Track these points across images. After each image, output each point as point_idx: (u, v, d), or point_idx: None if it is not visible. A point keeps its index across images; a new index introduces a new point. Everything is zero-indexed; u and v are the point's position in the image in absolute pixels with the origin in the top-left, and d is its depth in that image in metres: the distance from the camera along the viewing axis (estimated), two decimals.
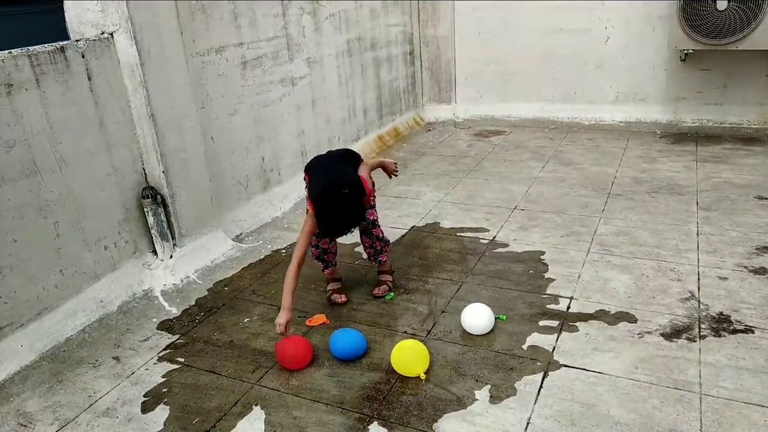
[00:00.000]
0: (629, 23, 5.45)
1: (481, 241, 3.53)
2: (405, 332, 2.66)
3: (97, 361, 2.61)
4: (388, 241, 2.98)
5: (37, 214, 2.66)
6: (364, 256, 3.10)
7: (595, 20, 5.58)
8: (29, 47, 2.59)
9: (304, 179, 2.87)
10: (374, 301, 2.93)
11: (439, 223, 3.84)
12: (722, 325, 2.55)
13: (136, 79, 2.99)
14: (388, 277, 3.03)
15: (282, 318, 2.51)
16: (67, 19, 2.96)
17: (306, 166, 2.89)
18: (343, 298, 2.92)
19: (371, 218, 2.84)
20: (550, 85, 5.99)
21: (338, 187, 2.51)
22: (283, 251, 3.58)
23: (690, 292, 2.82)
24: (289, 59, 4.23)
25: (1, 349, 2.53)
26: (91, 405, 2.32)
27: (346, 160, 2.86)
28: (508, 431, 2.05)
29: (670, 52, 5.32)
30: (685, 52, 5.15)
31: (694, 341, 2.45)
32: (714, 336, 2.48)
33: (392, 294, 2.97)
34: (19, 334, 2.61)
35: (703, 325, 2.55)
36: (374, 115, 5.61)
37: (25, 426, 2.23)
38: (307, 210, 2.68)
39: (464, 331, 2.62)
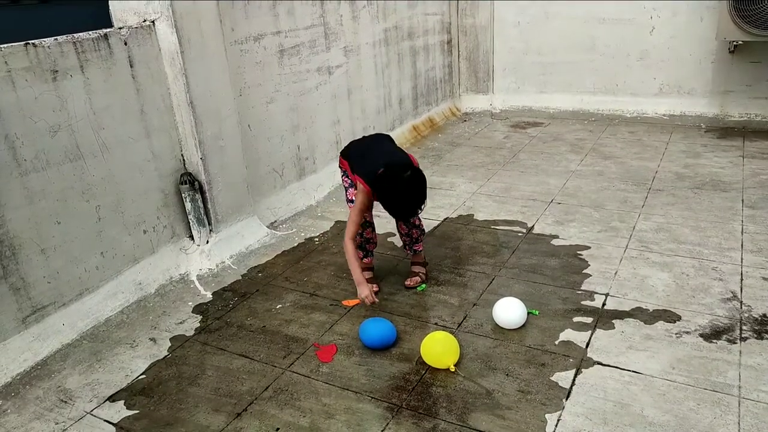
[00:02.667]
0: (676, 13, 5.28)
1: (516, 234, 3.49)
2: (436, 324, 2.66)
3: (134, 341, 2.68)
4: (425, 230, 2.99)
5: (80, 197, 2.74)
6: (399, 244, 3.10)
7: (640, 10, 5.42)
8: (74, 34, 2.66)
9: (341, 165, 2.91)
10: (406, 291, 2.93)
11: (473, 215, 3.81)
12: (765, 327, 2.46)
13: (176, 66, 3.04)
14: (421, 269, 3.02)
15: (365, 290, 2.59)
16: (110, 7, 3.02)
17: (343, 151, 2.93)
18: (375, 288, 2.92)
19: None
20: (591, 76, 5.85)
21: (406, 166, 2.57)
22: (317, 239, 3.61)
23: (732, 292, 2.73)
24: (326, 48, 4.24)
25: (44, 327, 2.62)
26: (129, 384, 2.39)
27: (391, 142, 2.95)
28: (538, 427, 2.03)
29: (718, 43, 5.14)
30: (735, 43, 4.96)
31: (735, 343, 2.38)
32: (756, 338, 2.39)
33: (424, 285, 2.96)
34: (61, 313, 2.70)
35: (744, 327, 2.47)
36: (409, 105, 5.58)
37: (65, 402, 2.31)
38: (349, 192, 2.80)
39: (496, 324, 2.60)
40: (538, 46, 5.99)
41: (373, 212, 2.89)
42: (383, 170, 2.57)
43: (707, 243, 3.20)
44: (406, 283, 2.97)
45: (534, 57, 6.06)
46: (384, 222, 3.28)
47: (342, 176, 2.99)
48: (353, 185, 2.84)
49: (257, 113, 3.70)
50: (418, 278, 2.97)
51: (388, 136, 3.07)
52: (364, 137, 3.10)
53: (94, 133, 2.76)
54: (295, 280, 3.14)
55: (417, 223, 2.92)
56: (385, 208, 2.61)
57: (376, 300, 2.62)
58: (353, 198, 2.82)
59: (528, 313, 2.61)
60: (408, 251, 3.03)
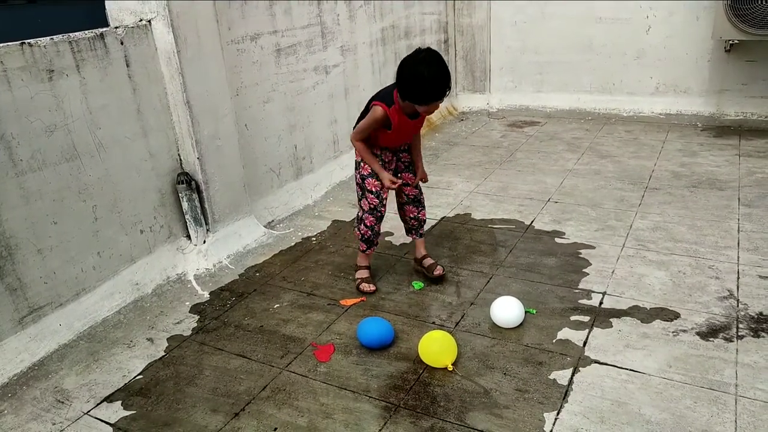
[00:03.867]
0: (672, 12, 5.29)
1: (513, 233, 3.49)
2: (433, 323, 2.66)
3: (131, 341, 2.67)
4: None
5: (77, 197, 2.73)
6: (396, 243, 3.11)
7: (637, 9, 5.43)
8: (70, 33, 2.65)
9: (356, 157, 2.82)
10: (403, 290, 2.93)
11: (470, 214, 3.81)
12: (761, 325, 2.47)
13: (172, 66, 3.03)
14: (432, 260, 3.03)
15: (387, 177, 2.65)
16: (106, 6, 3.01)
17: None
18: (372, 287, 2.92)
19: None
20: (587, 76, 5.86)
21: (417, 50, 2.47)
22: (314, 239, 3.61)
23: (728, 290, 2.74)
24: (323, 47, 4.23)
25: (40, 328, 2.61)
26: (126, 384, 2.39)
27: None
28: (535, 426, 2.03)
29: (714, 42, 5.15)
30: (731, 42, 4.98)
31: (731, 341, 2.38)
32: (752, 336, 2.40)
33: (421, 284, 2.96)
34: (58, 314, 2.69)
35: (741, 325, 2.48)
36: None
37: (62, 402, 2.30)
38: (367, 182, 2.75)
39: (493, 324, 2.60)
40: (535, 46, 6.00)
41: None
42: (397, 69, 2.46)
43: (704, 241, 3.21)
44: (435, 273, 2.93)
45: (531, 56, 6.06)
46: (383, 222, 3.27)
47: (356, 154, 2.80)
48: (372, 174, 2.74)
49: (254, 113, 3.69)
50: (440, 268, 2.97)
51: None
52: None
53: (91, 133, 2.75)
54: (293, 279, 3.14)
55: (423, 201, 2.97)
56: (416, 97, 2.41)
57: (399, 182, 2.67)
58: (371, 188, 2.75)
59: (525, 312, 2.62)
60: (414, 236, 3.03)
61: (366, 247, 2.94)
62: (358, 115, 2.77)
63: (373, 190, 2.76)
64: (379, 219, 2.85)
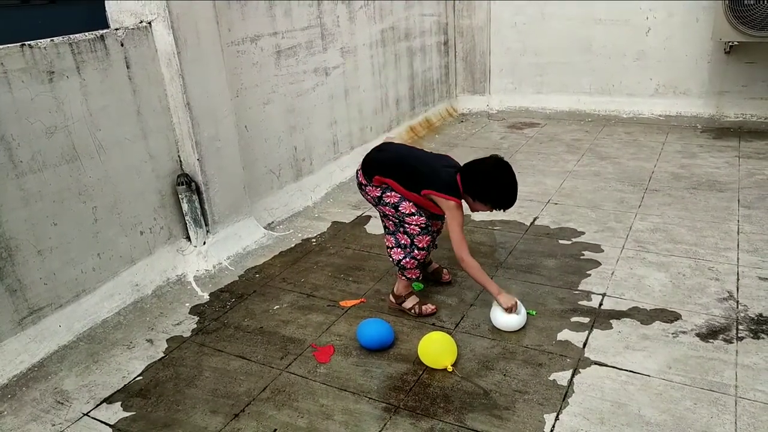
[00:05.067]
0: (672, 14, 5.30)
1: (513, 234, 3.49)
2: (433, 324, 2.66)
3: (131, 342, 2.67)
4: None
5: (77, 198, 2.73)
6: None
7: (636, 10, 5.44)
8: (70, 35, 2.65)
9: (374, 183, 2.62)
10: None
11: (470, 215, 3.81)
12: (761, 326, 2.47)
13: (172, 67, 3.03)
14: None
15: (510, 300, 2.53)
16: (107, 8, 3.01)
17: (371, 170, 2.64)
18: (434, 307, 2.74)
19: None
20: (587, 77, 5.87)
21: (483, 159, 2.54)
22: (314, 240, 3.61)
23: (728, 292, 2.74)
24: (323, 49, 4.24)
25: (40, 329, 2.61)
26: (125, 385, 2.39)
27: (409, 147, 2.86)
28: (535, 427, 2.03)
29: (714, 44, 5.16)
30: (730, 44, 4.98)
31: (731, 343, 2.38)
32: (752, 338, 2.40)
33: (421, 285, 2.96)
34: (58, 315, 2.69)
35: (740, 327, 2.48)
36: (406, 106, 5.58)
37: (62, 403, 2.30)
38: (402, 206, 2.57)
39: (493, 325, 2.60)
40: (535, 47, 6.00)
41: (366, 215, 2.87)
42: (466, 170, 2.51)
43: (703, 243, 3.21)
44: (444, 278, 2.97)
45: (531, 58, 6.07)
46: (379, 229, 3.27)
47: (371, 190, 2.64)
48: (404, 198, 2.58)
49: (254, 114, 3.70)
50: (447, 271, 3.01)
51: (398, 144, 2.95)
52: (379, 151, 2.74)
53: (91, 135, 2.75)
54: (293, 281, 3.14)
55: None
56: (499, 203, 2.50)
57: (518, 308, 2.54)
58: (410, 211, 2.56)
59: (529, 314, 2.62)
60: (432, 248, 2.97)
61: (419, 273, 2.71)
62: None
63: (413, 211, 2.57)
64: (433, 234, 2.70)
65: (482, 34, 6.19)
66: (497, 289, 2.54)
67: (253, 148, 3.71)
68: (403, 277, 2.69)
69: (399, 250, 2.65)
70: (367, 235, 3.62)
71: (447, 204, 2.51)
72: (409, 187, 2.56)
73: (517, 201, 2.54)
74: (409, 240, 2.62)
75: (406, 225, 2.59)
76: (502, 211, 2.54)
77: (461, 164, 2.60)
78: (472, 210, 2.60)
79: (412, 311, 2.71)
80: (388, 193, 2.61)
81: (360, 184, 2.72)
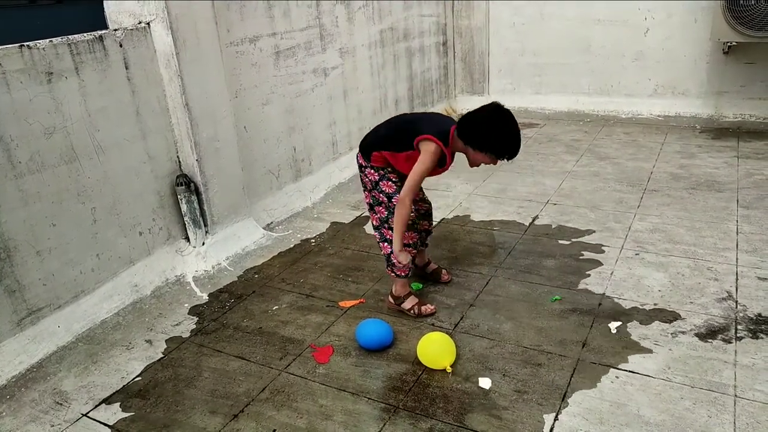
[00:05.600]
0: (671, 14, 5.30)
1: (512, 234, 3.50)
2: (432, 325, 2.66)
3: (130, 343, 2.67)
4: None
5: (76, 199, 2.73)
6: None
7: (635, 11, 5.44)
8: (69, 36, 2.65)
9: (370, 164, 2.59)
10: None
11: (470, 216, 3.82)
12: (760, 326, 2.47)
13: (171, 68, 3.03)
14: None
15: (405, 257, 2.47)
16: (105, 8, 3.01)
17: (369, 146, 2.60)
18: (433, 307, 2.73)
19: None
20: (586, 77, 5.87)
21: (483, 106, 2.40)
22: (313, 241, 3.61)
23: (727, 292, 2.74)
24: (322, 49, 4.24)
25: (39, 329, 2.61)
26: (124, 386, 2.38)
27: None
28: (534, 427, 2.03)
29: (712, 44, 5.16)
30: (729, 44, 4.98)
31: (730, 342, 2.38)
32: (751, 338, 2.40)
33: (420, 284, 2.96)
34: (56, 315, 2.69)
35: (739, 327, 2.48)
36: (406, 106, 5.58)
37: (61, 404, 2.30)
38: (382, 184, 2.55)
39: (493, 325, 2.60)
40: (534, 48, 6.01)
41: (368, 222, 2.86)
42: (463, 118, 2.37)
43: (702, 243, 3.21)
44: (444, 278, 2.97)
45: (529, 58, 6.07)
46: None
47: (371, 173, 2.61)
48: (385, 177, 2.57)
49: (253, 115, 3.70)
50: (446, 271, 3.00)
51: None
52: (377, 127, 2.71)
53: (90, 135, 2.75)
54: (292, 281, 3.14)
55: (432, 213, 2.91)
56: (501, 151, 2.36)
57: (407, 272, 2.49)
58: (389, 191, 2.56)
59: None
60: (423, 247, 2.97)
61: (408, 271, 2.68)
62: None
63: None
64: (420, 231, 2.71)
65: (481, 35, 6.20)
66: (399, 246, 2.50)
67: (252, 148, 3.71)
68: (393, 274, 2.69)
69: (386, 244, 2.66)
70: (366, 236, 3.62)
71: (427, 146, 2.40)
72: (403, 147, 2.48)
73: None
74: (391, 235, 2.61)
75: (392, 219, 2.56)
76: (506, 160, 2.39)
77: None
78: (473, 164, 2.48)
79: (412, 312, 2.70)
80: (385, 182, 2.59)
81: (360, 167, 2.68)
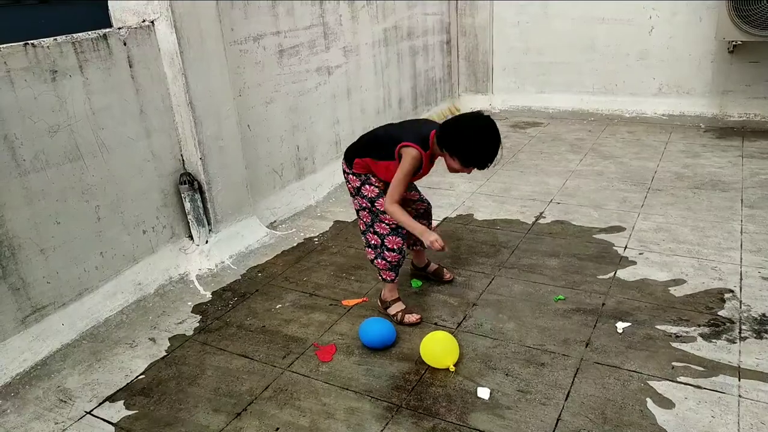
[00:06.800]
0: (675, 13, 5.29)
1: (515, 234, 3.49)
2: (435, 324, 2.66)
3: (134, 341, 2.68)
4: None
5: (80, 197, 2.73)
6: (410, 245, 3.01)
7: (640, 10, 5.42)
8: (73, 34, 2.66)
9: (352, 170, 2.61)
10: (403, 291, 2.93)
11: (473, 215, 3.81)
12: (764, 326, 2.46)
13: (175, 66, 3.03)
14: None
15: (431, 235, 2.38)
16: (109, 7, 3.02)
17: (352, 154, 2.61)
18: (418, 317, 2.66)
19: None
20: (590, 76, 5.86)
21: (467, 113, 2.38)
22: (316, 239, 3.61)
23: (731, 291, 2.73)
24: (326, 48, 4.24)
25: (43, 327, 2.62)
26: (128, 384, 2.39)
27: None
28: (537, 427, 2.03)
29: (717, 43, 5.14)
30: (734, 43, 4.97)
31: (734, 343, 2.38)
32: (755, 338, 2.40)
33: (419, 282, 2.96)
34: (60, 313, 2.70)
35: (744, 327, 2.47)
36: (409, 105, 5.58)
37: (65, 402, 2.30)
38: (364, 189, 2.54)
39: (495, 324, 2.60)
40: (538, 46, 5.99)
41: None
42: (447, 122, 2.35)
43: (706, 243, 3.20)
44: (446, 277, 2.97)
45: (533, 57, 6.06)
46: None
47: (353, 179, 2.64)
48: (383, 193, 2.54)
49: (257, 113, 3.70)
50: (447, 270, 2.99)
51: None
52: (361, 136, 2.74)
53: (94, 134, 2.76)
54: (295, 280, 3.14)
55: (431, 212, 2.90)
56: (473, 161, 2.32)
57: (444, 244, 2.37)
58: (372, 195, 2.56)
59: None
60: (420, 248, 2.93)
61: (394, 276, 2.67)
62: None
63: None
64: (405, 236, 2.62)
65: (485, 34, 6.18)
66: (421, 228, 2.44)
67: (255, 147, 3.71)
68: (380, 277, 2.69)
69: (370, 250, 2.67)
70: None
71: (408, 151, 2.39)
72: (384, 156, 2.47)
73: (494, 158, 2.32)
74: (379, 240, 2.62)
75: (378, 223, 2.58)
76: (477, 169, 2.35)
77: None
78: (449, 169, 2.45)
79: (395, 318, 2.67)
80: (367, 186, 2.59)
81: (344, 173, 2.70)
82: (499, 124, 2.40)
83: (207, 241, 3.33)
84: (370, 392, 2.25)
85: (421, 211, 2.85)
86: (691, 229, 3.38)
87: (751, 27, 4.62)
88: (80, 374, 2.47)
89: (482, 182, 4.34)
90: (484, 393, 2.19)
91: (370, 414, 2.14)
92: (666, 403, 2.08)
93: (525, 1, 5.89)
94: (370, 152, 2.55)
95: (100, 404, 2.29)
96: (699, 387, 2.15)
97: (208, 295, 3.04)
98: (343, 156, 2.71)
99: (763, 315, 2.54)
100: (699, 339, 2.41)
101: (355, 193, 2.66)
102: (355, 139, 2.74)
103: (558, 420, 2.05)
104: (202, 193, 3.27)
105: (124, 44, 2.87)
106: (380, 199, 2.54)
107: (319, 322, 2.73)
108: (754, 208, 3.57)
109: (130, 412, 2.23)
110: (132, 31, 2.90)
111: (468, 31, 6.25)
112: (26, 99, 2.47)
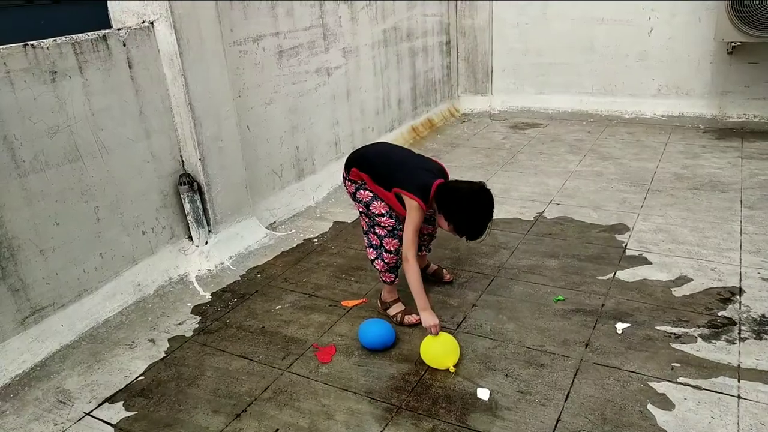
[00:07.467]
0: (675, 14, 5.29)
1: (515, 234, 3.49)
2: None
3: (133, 342, 2.67)
4: None
5: (79, 198, 2.73)
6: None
7: (639, 10, 5.43)
8: (73, 35, 2.65)
9: (352, 178, 2.63)
10: (403, 292, 2.92)
11: None
12: (764, 327, 2.46)
13: (175, 67, 3.03)
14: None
15: (432, 319, 2.40)
16: (109, 8, 3.02)
17: (352, 163, 2.64)
18: (417, 318, 2.58)
19: None
20: (589, 77, 5.86)
21: (470, 183, 2.45)
22: (316, 240, 3.61)
23: (731, 292, 2.73)
24: (325, 49, 4.24)
25: (42, 328, 2.62)
26: (127, 385, 2.39)
27: (402, 149, 2.78)
28: (537, 428, 2.03)
29: (716, 44, 5.15)
30: (733, 44, 4.97)
31: (734, 343, 2.38)
32: (755, 339, 2.40)
33: None
34: (60, 315, 2.69)
35: (743, 327, 2.47)
36: (408, 106, 5.58)
37: (64, 403, 2.30)
38: (373, 206, 2.56)
39: (495, 325, 2.60)
40: (537, 47, 6.00)
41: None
42: (444, 185, 2.44)
43: (706, 243, 3.20)
44: (446, 278, 2.98)
45: (533, 58, 6.06)
46: None
47: (348, 185, 2.68)
48: (377, 197, 2.57)
49: (256, 114, 3.70)
50: (447, 271, 3.01)
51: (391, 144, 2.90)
52: (367, 146, 2.80)
53: (93, 134, 2.76)
54: (294, 281, 3.14)
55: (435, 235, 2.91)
56: (466, 232, 2.41)
57: (438, 331, 2.40)
58: (380, 211, 2.56)
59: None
60: (426, 251, 2.97)
61: (393, 277, 2.68)
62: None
63: (383, 212, 2.56)
64: (401, 239, 2.59)
65: (484, 35, 6.19)
66: (424, 304, 2.46)
67: (255, 148, 3.71)
68: (380, 279, 2.71)
69: (371, 250, 2.69)
70: None
71: (410, 203, 2.44)
72: (381, 184, 2.54)
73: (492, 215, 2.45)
74: (378, 241, 2.64)
75: (376, 226, 2.62)
76: (465, 238, 2.44)
77: (453, 178, 2.55)
78: (438, 224, 2.53)
79: (395, 319, 2.68)
80: (362, 191, 2.61)
81: (342, 177, 2.74)
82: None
83: (206, 242, 3.33)
84: (369, 393, 2.25)
85: (425, 233, 2.84)
86: (690, 229, 3.38)
87: (750, 28, 4.63)
88: (79, 375, 2.46)
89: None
90: (483, 394, 2.19)
91: (370, 415, 2.14)
92: (666, 404, 2.08)
93: (524, 1, 5.89)
94: (369, 171, 2.59)
95: (100, 405, 2.28)
96: (699, 388, 2.15)
97: (208, 296, 3.04)
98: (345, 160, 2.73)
99: (763, 316, 2.54)
100: (699, 340, 2.41)
101: (352, 197, 2.70)
102: (360, 146, 2.77)
103: (558, 421, 2.05)
104: (201, 194, 3.27)
105: (124, 45, 2.86)
106: (374, 202, 2.57)
107: (319, 323, 2.73)
108: (754, 209, 3.58)
109: (130, 413, 2.23)
110: (131, 32, 2.90)
111: (467, 32, 6.26)
112: (26, 100, 2.47)
